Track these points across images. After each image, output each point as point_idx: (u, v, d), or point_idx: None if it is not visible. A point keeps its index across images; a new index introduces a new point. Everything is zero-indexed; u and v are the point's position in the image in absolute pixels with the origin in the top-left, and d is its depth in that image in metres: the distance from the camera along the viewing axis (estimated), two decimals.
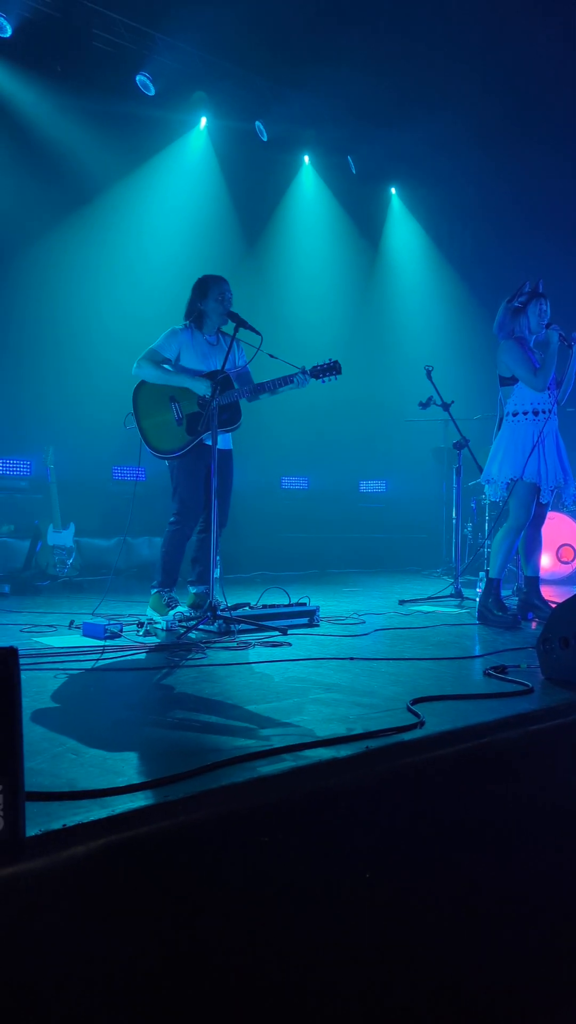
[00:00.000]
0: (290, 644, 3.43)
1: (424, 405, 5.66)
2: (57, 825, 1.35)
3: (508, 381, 4.35)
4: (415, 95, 7.89)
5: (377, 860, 1.69)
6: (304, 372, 4.02)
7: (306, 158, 8.98)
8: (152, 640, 3.53)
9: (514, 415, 4.33)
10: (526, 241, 8.50)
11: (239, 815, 1.54)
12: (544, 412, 4.26)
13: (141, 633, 3.65)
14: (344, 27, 7.17)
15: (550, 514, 6.73)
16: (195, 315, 4.26)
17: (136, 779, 1.60)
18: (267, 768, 1.68)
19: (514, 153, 8.48)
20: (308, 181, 9.05)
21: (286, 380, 4.03)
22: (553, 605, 4.39)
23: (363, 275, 9.51)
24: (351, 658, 3.09)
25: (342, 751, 1.81)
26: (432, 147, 8.78)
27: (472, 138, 8.57)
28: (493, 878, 1.90)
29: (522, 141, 8.34)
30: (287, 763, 1.72)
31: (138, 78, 7.42)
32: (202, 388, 4.06)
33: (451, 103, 7.85)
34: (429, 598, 5.26)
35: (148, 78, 7.47)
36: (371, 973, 1.60)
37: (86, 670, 2.87)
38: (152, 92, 7.51)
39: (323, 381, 4.07)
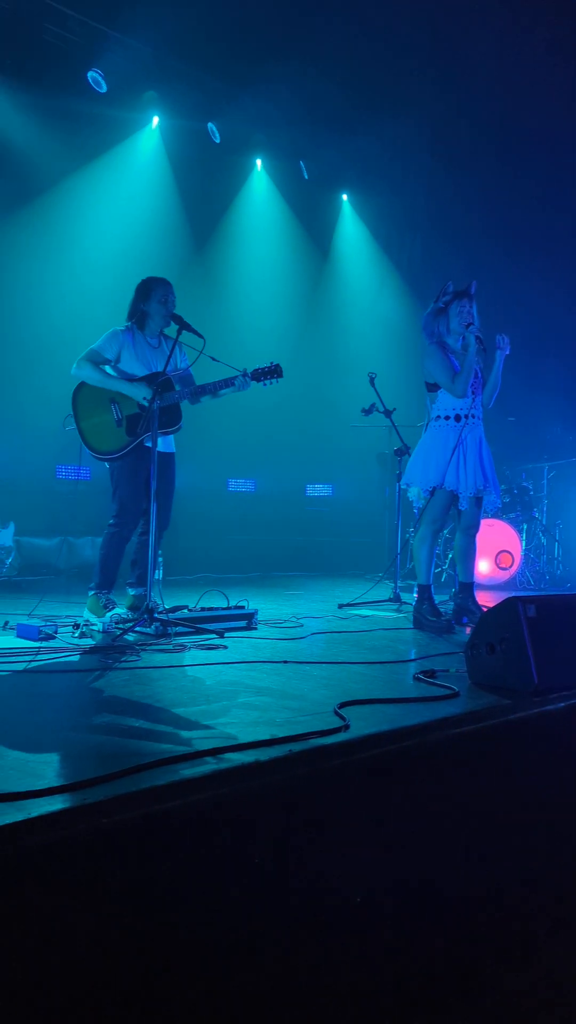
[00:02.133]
0: (226, 647, 3.45)
1: (367, 411, 5.73)
2: None
3: (432, 386, 4.40)
4: (368, 101, 7.97)
5: (296, 861, 1.72)
6: (245, 375, 4.05)
7: (258, 162, 9.01)
8: (88, 642, 3.51)
9: (436, 419, 4.39)
10: (475, 249, 8.67)
11: (160, 817, 1.55)
12: (466, 417, 4.30)
13: (77, 635, 3.63)
14: (297, 31, 7.21)
15: (489, 521, 6.90)
16: (137, 316, 4.25)
17: (56, 782, 1.60)
18: (189, 771, 1.70)
19: (466, 161, 8.64)
20: (260, 185, 9.08)
21: (227, 382, 4.05)
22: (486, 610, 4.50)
23: (311, 280, 9.58)
24: (284, 661, 3.12)
25: (265, 754, 1.83)
26: (384, 154, 8.89)
27: (424, 145, 8.69)
28: (414, 879, 1.95)
29: (474, 149, 8.50)
30: (209, 766, 1.74)
31: (89, 75, 7.36)
32: (139, 393, 4.06)
33: (403, 110, 7.94)
34: (369, 602, 5.33)
35: (100, 75, 7.42)
36: (282, 980, 1.62)
37: (17, 672, 2.85)
38: (104, 89, 7.46)
39: (264, 384, 4.11)
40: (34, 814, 1.43)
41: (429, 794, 2.07)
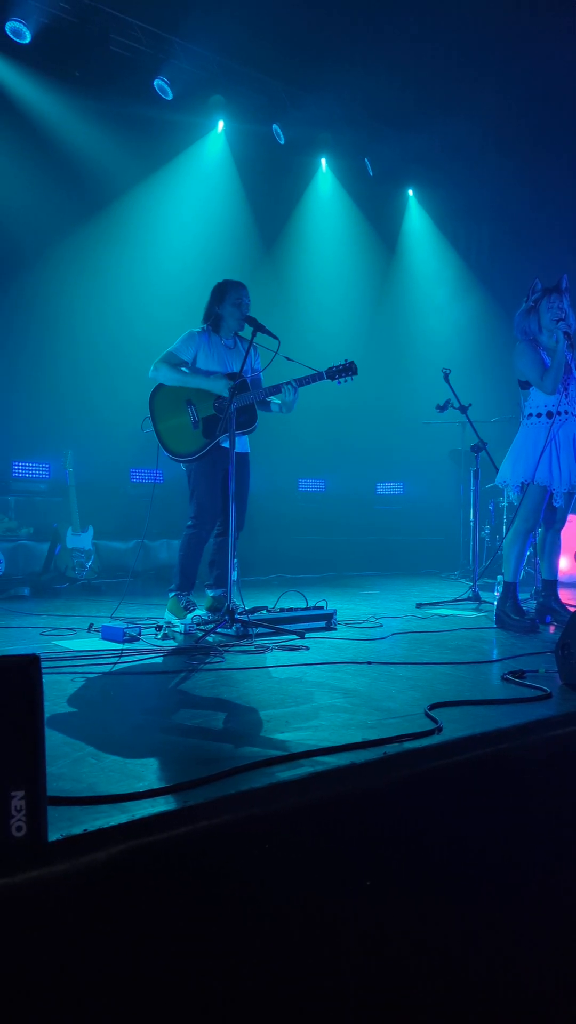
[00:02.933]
0: (308, 648, 3.44)
1: (442, 408, 5.65)
2: (79, 830, 1.36)
3: (524, 384, 4.32)
4: (430, 98, 7.89)
5: (392, 865, 1.70)
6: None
7: (323, 161, 9.00)
8: (170, 644, 3.55)
9: (528, 417, 4.30)
10: (543, 243, 8.47)
11: (258, 820, 1.55)
12: (560, 414, 4.20)
13: (159, 636, 3.67)
14: (358, 29, 7.18)
15: (570, 516, 6.72)
16: (212, 319, 4.28)
17: (156, 784, 1.61)
18: (285, 774, 1.69)
19: (531, 156, 8.45)
20: (325, 184, 9.07)
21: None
22: (572, 609, 4.37)
23: (380, 277, 9.51)
24: (368, 662, 3.09)
25: (360, 756, 1.81)
26: (448, 150, 8.79)
27: (488, 141, 8.56)
28: (508, 884, 1.90)
29: (538, 144, 8.31)
30: (305, 768, 1.72)
31: (156, 82, 7.47)
32: (219, 387, 4.08)
33: (466, 106, 7.84)
34: (447, 601, 5.25)
35: (166, 82, 7.52)
36: (385, 979, 1.60)
37: (104, 674, 2.89)
38: (170, 96, 7.56)
39: (339, 382, 4.08)
40: (138, 816, 1.44)
41: (527, 797, 2.02)
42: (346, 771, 1.75)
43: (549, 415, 4.20)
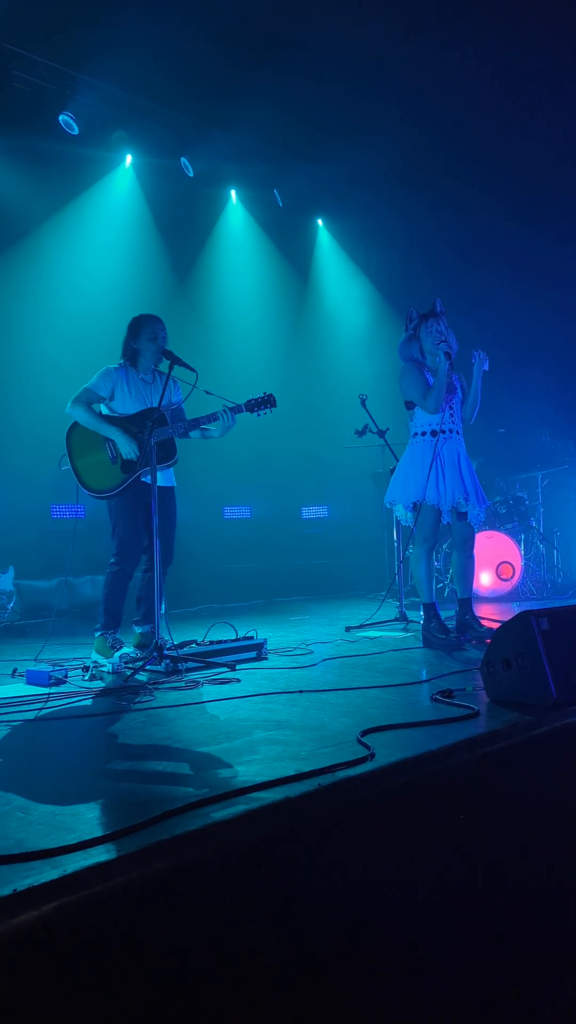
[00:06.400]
0: (239, 680, 3.42)
1: (360, 433, 5.75)
2: (7, 890, 1.32)
3: (410, 404, 4.44)
4: (335, 130, 8.09)
5: (333, 897, 1.70)
6: (239, 408, 4.08)
7: (233, 193, 9.10)
8: (98, 684, 3.48)
9: (414, 436, 4.42)
10: (451, 266, 8.75)
11: (194, 864, 1.53)
12: (444, 432, 4.32)
13: (87, 677, 3.60)
14: (262, 64, 7.32)
15: (488, 532, 6.90)
16: (129, 354, 4.27)
17: (87, 835, 1.58)
18: (219, 814, 1.67)
19: (435, 183, 8.74)
20: (236, 215, 9.17)
21: (210, 418, 4.07)
22: (486, 623, 4.49)
23: (294, 306, 9.64)
24: (300, 691, 3.10)
25: (294, 790, 1.81)
26: (355, 180, 9.00)
27: (394, 172, 8.80)
28: (452, 906, 1.92)
29: (442, 172, 8.61)
30: (240, 807, 1.71)
31: (61, 118, 7.44)
32: (125, 449, 4.06)
33: (371, 137, 8.06)
34: (375, 623, 5.31)
35: (71, 117, 7.50)
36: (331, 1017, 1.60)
37: (30, 720, 2.82)
38: (76, 131, 7.53)
39: (258, 415, 4.12)
40: (70, 870, 1.41)
41: (458, 816, 2.05)
42: (281, 806, 1.74)
43: (434, 434, 4.33)
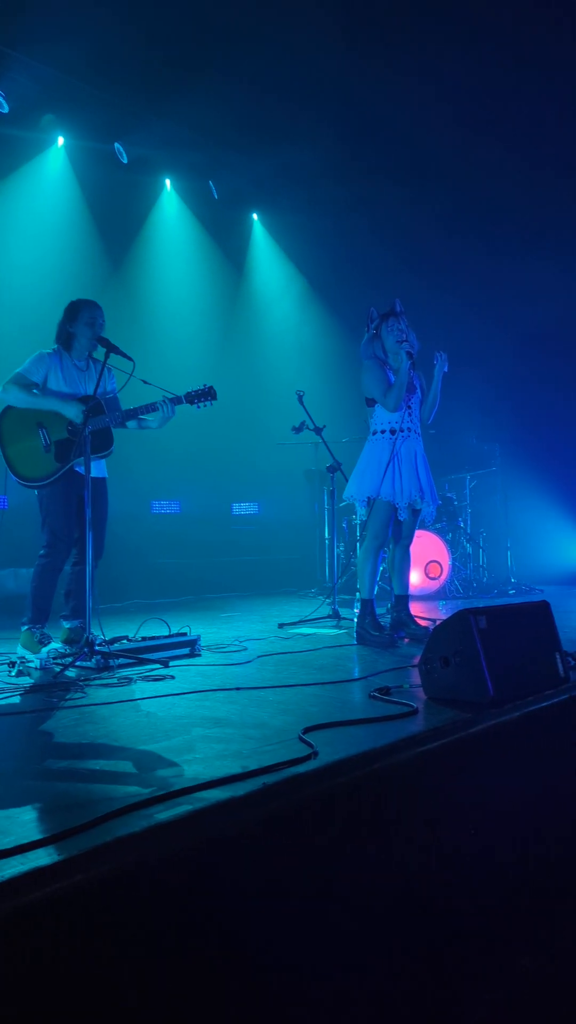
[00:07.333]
0: (173, 677, 3.35)
1: (297, 430, 5.73)
2: None
3: (370, 401, 4.45)
4: (268, 126, 8.04)
5: (278, 896, 1.66)
6: (178, 399, 4.00)
7: (168, 181, 8.95)
8: (26, 680, 3.36)
9: (373, 434, 4.44)
10: (384, 269, 8.82)
11: (138, 866, 1.47)
12: (403, 431, 4.36)
13: (13, 674, 3.46)
14: (200, 56, 7.21)
15: (417, 532, 6.98)
16: (64, 338, 4.14)
17: (25, 838, 1.50)
18: (164, 814, 1.62)
19: (363, 182, 8.80)
20: (171, 204, 9.02)
21: (149, 408, 3.98)
22: (421, 622, 4.53)
23: (230, 298, 9.55)
24: (237, 688, 3.06)
25: (239, 789, 1.77)
26: (287, 176, 8.97)
27: (328, 171, 8.81)
28: (399, 902, 1.91)
29: (370, 171, 8.66)
30: (184, 807, 1.66)
31: None
32: (72, 412, 3.94)
33: (302, 135, 8.05)
34: (308, 620, 5.30)
35: (1, 95, 7.24)
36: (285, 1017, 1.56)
37: None
38: (6, 109, 7.28)
39: (198, 407, 4.05)
40: (6, 875, 1.33)
41: (401, 812, 2.04)
42: (226, 805, 1.70)
43: (392, 432, 4.35)
